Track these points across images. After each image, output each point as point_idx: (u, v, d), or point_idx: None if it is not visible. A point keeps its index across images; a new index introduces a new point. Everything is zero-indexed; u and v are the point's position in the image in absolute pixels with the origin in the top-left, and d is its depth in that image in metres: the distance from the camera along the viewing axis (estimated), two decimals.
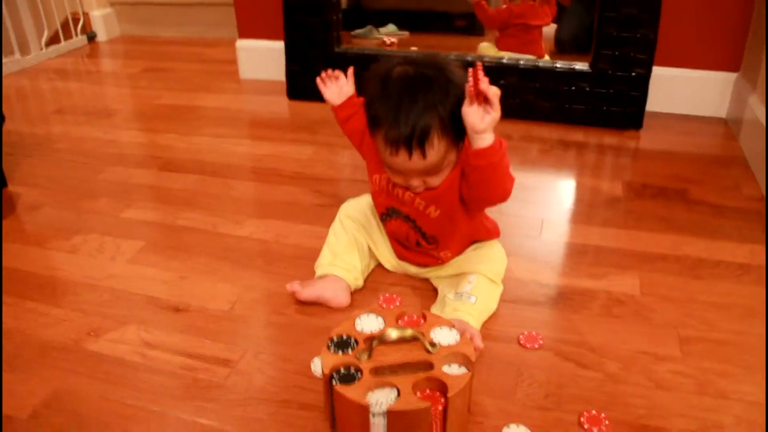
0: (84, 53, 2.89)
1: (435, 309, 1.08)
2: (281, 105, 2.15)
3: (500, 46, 2.22)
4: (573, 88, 1.90)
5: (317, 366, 1.00)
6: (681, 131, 1.88)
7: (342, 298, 1.12)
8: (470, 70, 0.90)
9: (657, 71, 1.88)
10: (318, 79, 1.21)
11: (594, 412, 0.91)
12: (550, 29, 2.22)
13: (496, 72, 1.92)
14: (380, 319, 0.93)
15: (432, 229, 1.10)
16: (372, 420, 0.80)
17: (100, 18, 3.07)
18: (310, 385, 0.97)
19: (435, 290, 1.17)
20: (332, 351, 0.87)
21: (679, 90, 1.98)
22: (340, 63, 2.10)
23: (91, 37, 3.06)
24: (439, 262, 1.15)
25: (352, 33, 2.40)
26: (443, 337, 0.90)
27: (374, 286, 1.19)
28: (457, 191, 1.03)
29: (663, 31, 1.82)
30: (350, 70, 1.19)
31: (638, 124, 1.89)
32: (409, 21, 2.44)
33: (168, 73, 2.53)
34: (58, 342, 1.06)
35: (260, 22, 2.31)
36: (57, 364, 1.01)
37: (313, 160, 1.73)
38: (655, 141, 1.83)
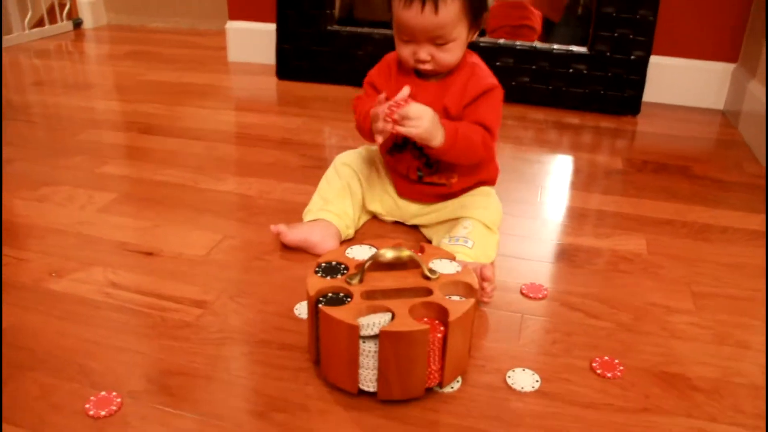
0: (68, 38, 2.81)
1: None
2: (270, 84, 2.07)
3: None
4: (570, 71, 1.85)
5: (302, 309, 0.91)
6: (679, 119, 1.83)
7: (330, 244, 1.03)
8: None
9: (654, 60, 1.84)
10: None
11: (606, 358, 0.82)
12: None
13: (491, 53, 1.87)
14: (373, 250, 0.84)
15: (438, 156, 1.04)
16: (362, 345, 0.71)
17: (87, 5, 2.99)
18: (293, 327, 0.88)
19: (430, 242, 1.08)
20: (320, 276, 0.78)
21: (676, 80, 1.93)
22: (333, 42, 2.06)
23: (77, 24, 2.98)
24: (447, 188, 1.09)
25: None
26: (443, 267, 0.81)
27: (365, 238, 1.11)
28: (460, 114, 1.01)
29: (660, 19, 1.78)
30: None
31: (636, 110, 1.84)
32: None
33: (154, 55, 2.45)
34: (17, 281, 0.97)
35: (252, 3, 2.25)
36: (13, 302, 0.92)
37: (301, 129, 1.66)
38: (653, 126, 1.77)
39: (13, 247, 1.06)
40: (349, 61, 2.02)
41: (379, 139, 0.97)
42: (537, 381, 0.79)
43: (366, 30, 2.00)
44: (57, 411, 0.72)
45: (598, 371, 0.81)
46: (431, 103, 1.01)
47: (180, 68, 2.26)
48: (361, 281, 0.76)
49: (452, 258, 0.84)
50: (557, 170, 1.48)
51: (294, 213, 1.15)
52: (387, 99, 0.96)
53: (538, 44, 1.89)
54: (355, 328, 0.70)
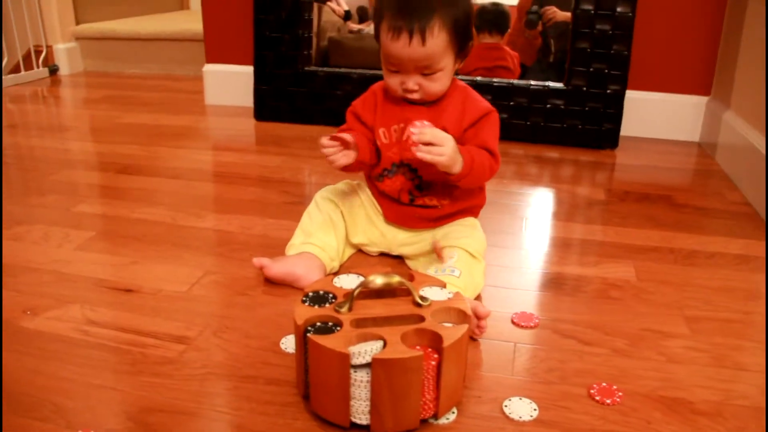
0: (44, 84, 2.79)
1: None
2: (248, 125, 2.06)
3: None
4: (548, 106, 1.87)
5: (288, 343, 0.88)
6: (657, 151, 1.85)
7: (314, 277, 1.00)
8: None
9: (630, 95, 1.87)
10: (325, 151, 1.02)
11: (604, 384, 0.80)
12: None
13: None
14: (361, 278, 0.82)
15: (432, 177, 1.04)
16: (353, 375, 0.68)
17: (64, 51, 2.98)
18: (279, 361, 0.84)
19: None
20: (307, 305, 0.75)
21: (652, 114, 1.96)
22: (311, 83, 2.06)
23: (53, 70, 2.97)
24: (438, 210, 1.08)
25: None
26: (434, 294, 0.79)
27: (351, 268, 1.08)
28: (461, 137, 1.02)
29: (635, 54, 1.82)
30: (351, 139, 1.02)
31: (614, 143, 1.86)
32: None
33: (130, 99, 2.44)
34: None
35: (228, 47, 2.26)
36: None
37: (281, 167, 1.64)
38: (632, 158, 1.79)
39: None
40: (327, 100, 2.02)
41: (340, 162, 0.99)
42: (535, 410, 0.76)
43: (343, 70, 2.01)
44: None
45: (597, 398, 0.78)
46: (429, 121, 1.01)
47: (156, 111, 2.24)
48: (350, 309, 0.74)
49: (443, 285, 0.81)
50: (540, 202, 1.47)
51: (277, 248, 1.13)
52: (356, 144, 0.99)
53: (515, 81, 1.91)
54: (345, 357, 0.67)
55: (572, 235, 1.27)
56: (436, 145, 0.93)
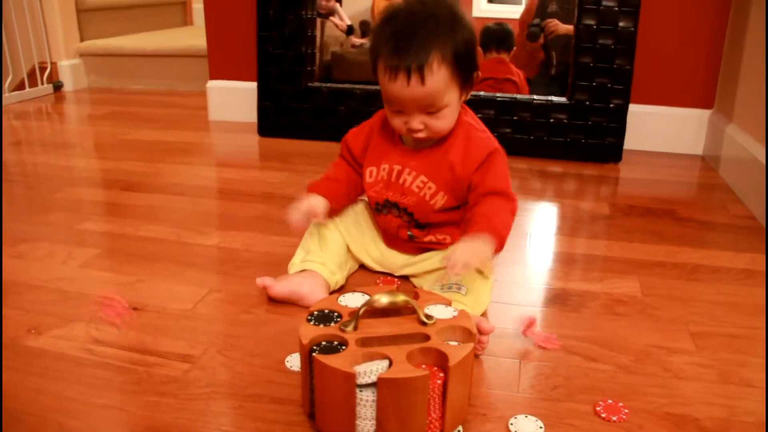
0: (48, 101, 2.80)
1: None
2: (252, 141, 2.07)
3: None
4: (551, 120, 1.88)
5: (293, 361, 0.88)
6: (660, 165, 1.85)
7: (318, 295, 1.00)
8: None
9: (633, 108, 1.87)
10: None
11: (610, 401, 0.80)
12: None
13: (472, 105, 1.88)
14: (366, 297, 0.82)
15: (429, 219, 1.03)
16: (359, 394, 0.68)
17: (68, 68, 3.00)
18: (284, 380, 0.84)
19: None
20: (312, 324, 0.75)
21: (655, 128, 1.96)
22: (314, 99, 2.07)
23: (58, 87, 2.98)
24: (442, 246, 1.07)
25: None
26: (438, 312, 0.79)
27: (356, 286, 1.08)
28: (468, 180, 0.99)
29: (637, 68, 1.83)
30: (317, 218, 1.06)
31: (618, 157, 1.86)
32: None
33: (134, 115, 2.45)
34: None
35: (232, 63, 2.27)
36: None
37: (284, 183, 1.64)
38: (636, 172, 1.79)
39: None
40: (330, 116, 2.03)
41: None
42: (541, 427, 0.76)
43: (347, 86, 2.02)
44: None
45: (603, 415, 0.78)
46: (433, 169, 0.99)
47: (161, 127, 2.25)
48: (355, 328, 0.74)
49: (448, 303, 0.81)
50: (544, 217, 1.47)
51: (281, 265, 1.13)
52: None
53: (518, 96, 1.92)
54: (351, 376, 0.67)
55: (577, 250, 1.26)
56: (463, 267, 0.87)
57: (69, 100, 2.80)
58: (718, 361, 0.89)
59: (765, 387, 0.83)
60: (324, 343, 0.72)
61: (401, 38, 0.90)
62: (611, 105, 1.83)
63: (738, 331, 0.97)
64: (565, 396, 0.82)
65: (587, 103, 1.84)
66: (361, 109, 1.97)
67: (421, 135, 0.97)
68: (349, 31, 2.16)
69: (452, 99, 0.95)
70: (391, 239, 1.10)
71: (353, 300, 0.81)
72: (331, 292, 1.04)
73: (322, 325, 0.75)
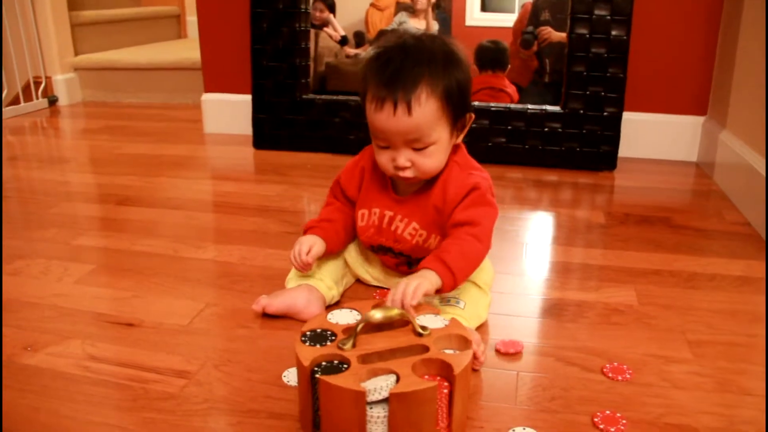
0: (43, 115, 2.81)
1: None
2: (247, 153, 2.07)
3: None
4: (545, 129, 1.88)
5: (290, 376, 0.87)
6: (655, 172, 1.86)
7: (315, 308, 1.00)
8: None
9: (627, 116, 1.88)
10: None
11: (608, 412, 0.80)
12: None
13: None
14: (354, 312, 0.82)
15: (426, 255, 1.01)
16: (369, 412, 0.68)
17: (62, 82, 3.01)
18: (282, 395, 0.84)
19: None
20: (308, 345, 0.75)
21: (649, 135, 1.97)
22: (309, 110, 2.07)
23: (53, 101, 2.99)
24: None
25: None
26: (430, 322, 0.79)
27: (351, 300, 1.08)
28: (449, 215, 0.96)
29: (630, 76, 1.83)
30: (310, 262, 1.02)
31: (612, 165, 1.87)
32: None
33: (129, 129, 2.45)
34: None
35: (227, 76, 2.27)
36: None
37: (280, 196, 1.64)
38: (631, 180, 1.79)
39: None
40: (325, 128, 2.03)
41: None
42: None
43: (341, 97, 2.02)
44: None
45: (601, 426, 0.78)
46: (423, 215, 0.97)
47: (155, 140, 2.25)
48: (354, 345, 0.74)
49: (436, 312, 0.82)
50: (540, 226, 1.48)
51: (277, 279, 1.13)
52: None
53: (512, 105, 1.92)
54: (361, 395, 0.66)
55: (573, 259, 1.27)
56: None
57: (64, 115, 2.80)
58: (715, 369, 0.89)
59: (765, 395, 0.83)
60: (325, 363, 0.72)
61: (391, 70, 0.88)
62: (605, 113, 1.83)
63: (735, 339, 0.97)
64: (563, 407, 0.81)
65: (581, 111, 1.84)
66: (356, 121, 1.98)
67: (407, 174, 0.92)
68: (343, 41, 2.17)
69: (441, 137, 0.91)
70: (391, 268, 1.10)
71: (342, 317, 0.81)
72: (327, 307, 1.04)
73: (318, 345, 0.75)
